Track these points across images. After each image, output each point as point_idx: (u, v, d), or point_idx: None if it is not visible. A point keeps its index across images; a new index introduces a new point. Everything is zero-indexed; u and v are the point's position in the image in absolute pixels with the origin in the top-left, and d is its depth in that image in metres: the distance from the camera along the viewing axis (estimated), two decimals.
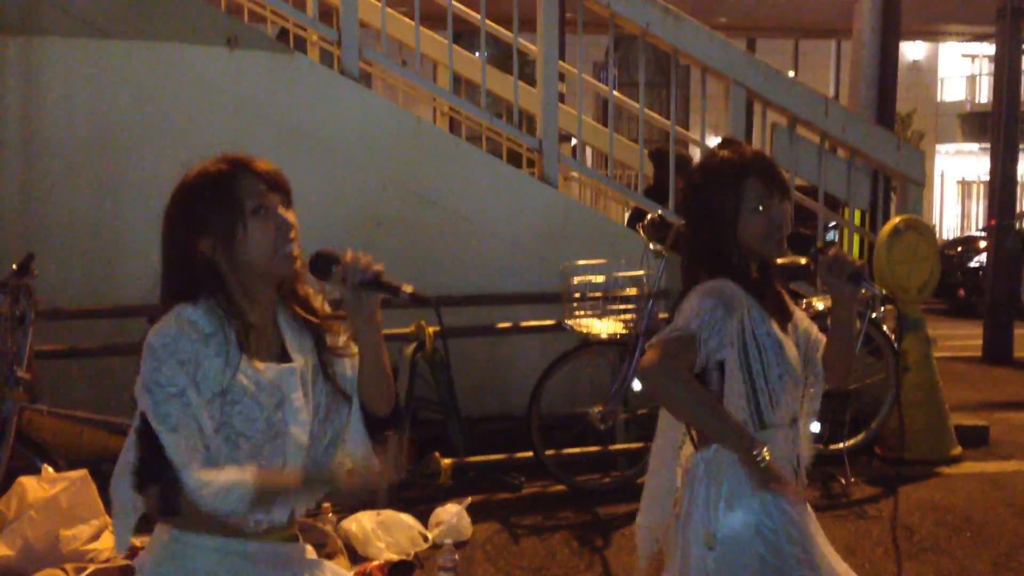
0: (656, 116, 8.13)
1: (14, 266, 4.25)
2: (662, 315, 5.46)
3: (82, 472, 3.95)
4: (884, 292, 2.44)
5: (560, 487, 5.11)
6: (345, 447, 2.04)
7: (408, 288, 1.90)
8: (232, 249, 1.89)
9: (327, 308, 2.07)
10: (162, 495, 1.83)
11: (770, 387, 2.29)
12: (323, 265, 1.93)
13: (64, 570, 3.58)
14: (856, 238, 7.15)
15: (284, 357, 1.97)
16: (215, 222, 1.89)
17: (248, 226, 1.89)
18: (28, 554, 3.64)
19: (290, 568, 1.99)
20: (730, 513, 2.25)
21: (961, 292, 14.43)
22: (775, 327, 2.32)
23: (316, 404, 1.99)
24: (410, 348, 5.06)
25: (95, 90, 5.41)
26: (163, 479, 1.82)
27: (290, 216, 1.93)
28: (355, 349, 2.06)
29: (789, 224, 2.35)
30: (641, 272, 5.17)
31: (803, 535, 2.28)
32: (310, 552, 2.08)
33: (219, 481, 1.79)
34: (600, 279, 5.12)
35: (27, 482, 3.87)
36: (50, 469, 4.01)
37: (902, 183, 6.92)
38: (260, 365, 1.91)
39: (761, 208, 2.33)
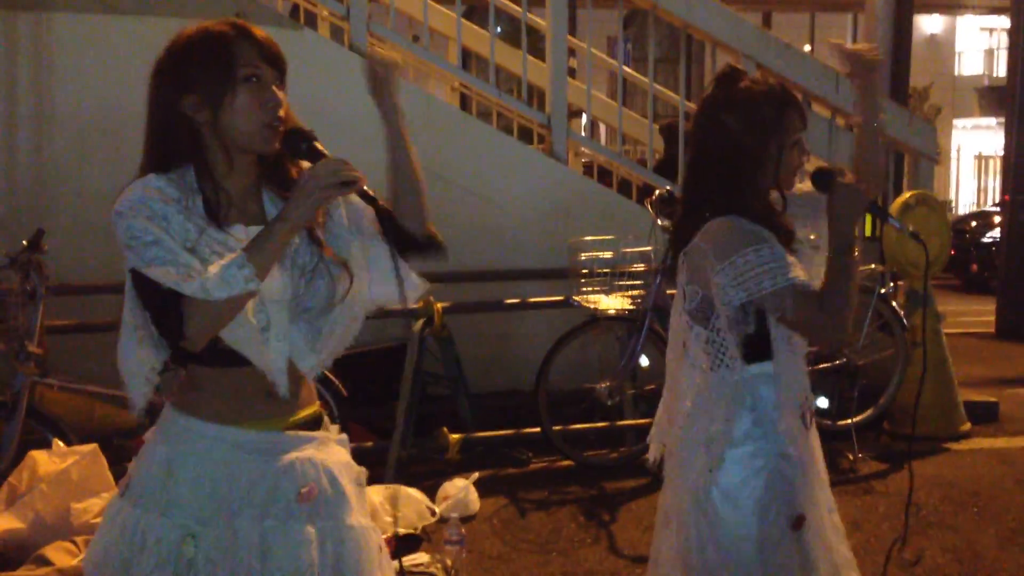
0: (667, 92, 8.10)
1: (24, 242, 4.29)
2: (670, 291, 5.47)
3: (92, 446, 3.99)
4: (912, 229, 2.42)
5: (567, 462, 5.14)
6: (353, 307, 2.03)
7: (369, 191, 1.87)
8: (216, 113, 1.87)
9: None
10: (167, 329, 1.83)
11: None
12: (294, 143, 1.90)
13: (75, 543, 3.62)
14: (868, 214, 7.10)
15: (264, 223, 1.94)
16: (204, 81, 1.87)
17: (237, 92, 1.87)
18: (39, 527, 3.69)
19: (295, 457, 1.95)
20: (742, 439, 2.28)
21: (974, 267, 14.34)
22: None
23: (302, 267, 1.96)
24: (418, 323, 5.07)
25: (105, 66, 5.43)
26: (167, 315, 1.82)
27: (281, 95, 1.91)
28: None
29: None
30: (649, 248, 5.16)
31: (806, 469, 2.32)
32: (324, 438, 2.02)
33: (213, 271, 1.79)
34: (608, 255, 5.12)
35: (38, 456, 3.92)
36: (61, 443, 4.06)
37: (914, 158, 6.88)
38: (231, 228, 1.89)
39: (797, 141, 2.32)
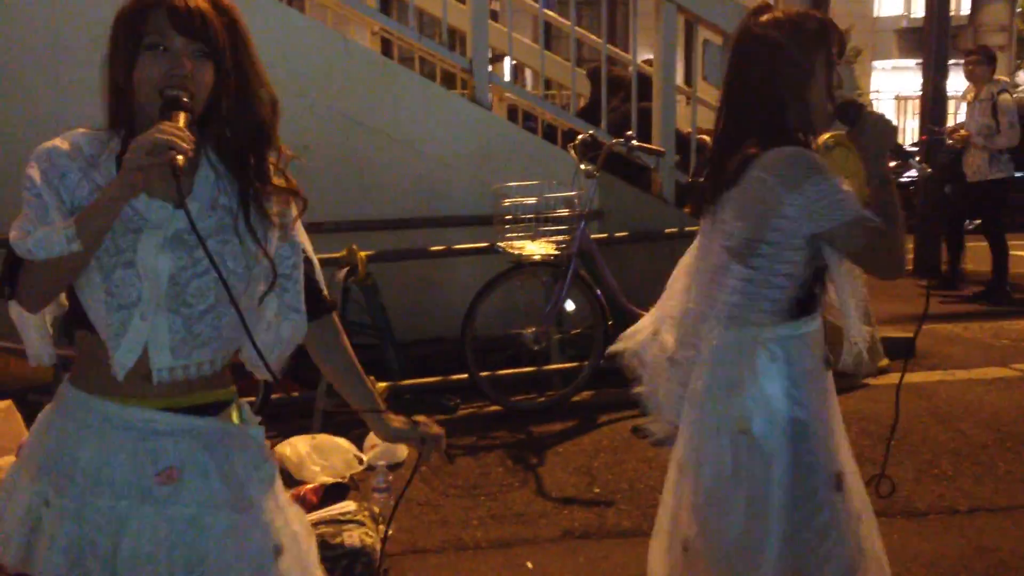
0: (591, 35, 8.06)
1: None
2: (593, 236, 5.50)
3: (6, 402, 3.91)
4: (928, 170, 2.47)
5: (495, 408, 5.17)
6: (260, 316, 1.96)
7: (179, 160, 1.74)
8: (129, 82, 1.84)
9: (287, 174, 1.96)
10: (6, 278, 1.81)
11: None
12: (165, 109, 1.79)
13: None
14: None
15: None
16: (120, 48, 1.85)
17: (139, 61, 1.82)
18: None
19: (165, 439, 1.88)
20: (765, 397, 2.27)
21: None
22: None
23: (193, 257, 1.86)
24: (342, 272, 5.03)
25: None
26: (7, 268, 1.81)
27: (202, 70, 1.83)
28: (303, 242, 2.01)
29: None
30: (573, 193, 5.17)
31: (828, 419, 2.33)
32: (220, 426, 1.94)
33: (40, 232, 1.76)
34: (532, 200, 5.11)
35: None
36: None
37: None
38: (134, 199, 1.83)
39: (833, 63, 2.30)
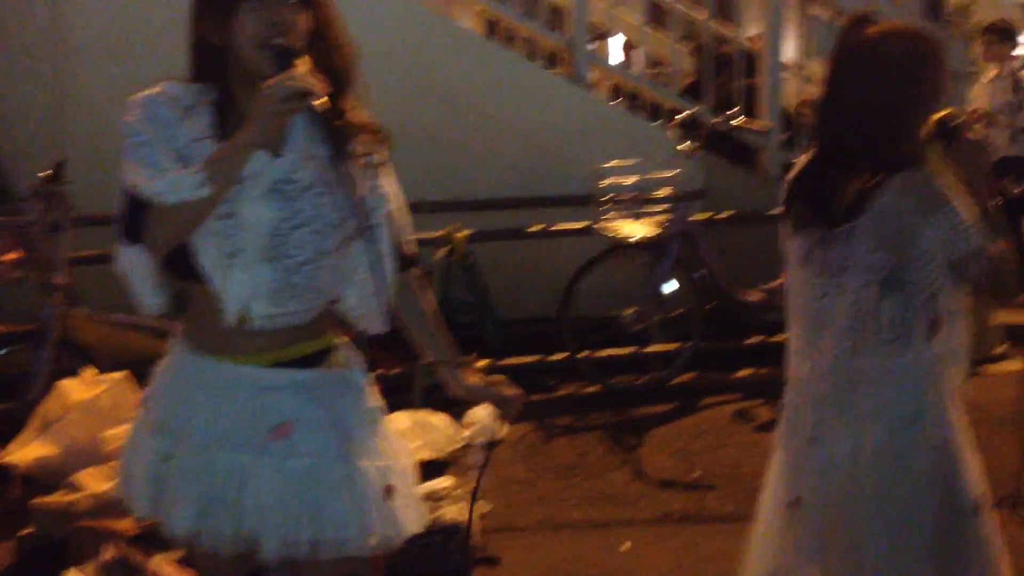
0: (695, 13, 7.92)
1: (45, 173, 4.28)
2: (695, 216, 5.42)
3: (122, 373, 4.03)
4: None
5: (593, 388, 5.15)
6: (343, 279, 1.99)
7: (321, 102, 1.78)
8: (226, 35, 1.86)
9: (367, 119, 1.98)
10: (130, 225, 1.84)
11: None
12: (277, 59, 1.82)
13: (107, 468, 3.68)
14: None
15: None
16: (213, 7, 1.87)
17: (239, 12, 1.84)
18: (72, 453, 3.74)
19: (276, 394, 1.93)
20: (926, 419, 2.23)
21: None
22: None
23: (305, 207, 1.90)
24: (441, 252, 5.07)
25: None
26: (129, 214, 1.84)
27: (298, 18, 1.86)
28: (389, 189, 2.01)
29: None
30: (674, 173, 5.10)
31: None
32: (324, 375, 1.98)
33: (169, 176, 1.79)
34: (632, 181, 5.06)
35: (68, 384, 3.96)
36: (90, 371, 4.10)
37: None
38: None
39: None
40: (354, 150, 1.93)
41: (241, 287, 1.89)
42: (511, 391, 2.14)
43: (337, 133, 1.88)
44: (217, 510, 1.89)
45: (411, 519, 2.01)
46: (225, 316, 1.90)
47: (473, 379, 2.15)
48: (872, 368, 2.24)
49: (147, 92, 1.90)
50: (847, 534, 2.30)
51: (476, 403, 2.16)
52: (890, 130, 2.19)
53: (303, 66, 1.80)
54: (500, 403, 2.15)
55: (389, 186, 2.03)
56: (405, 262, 2.07)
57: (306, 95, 1.76)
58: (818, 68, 6.60)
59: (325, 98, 1.77)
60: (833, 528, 2.32)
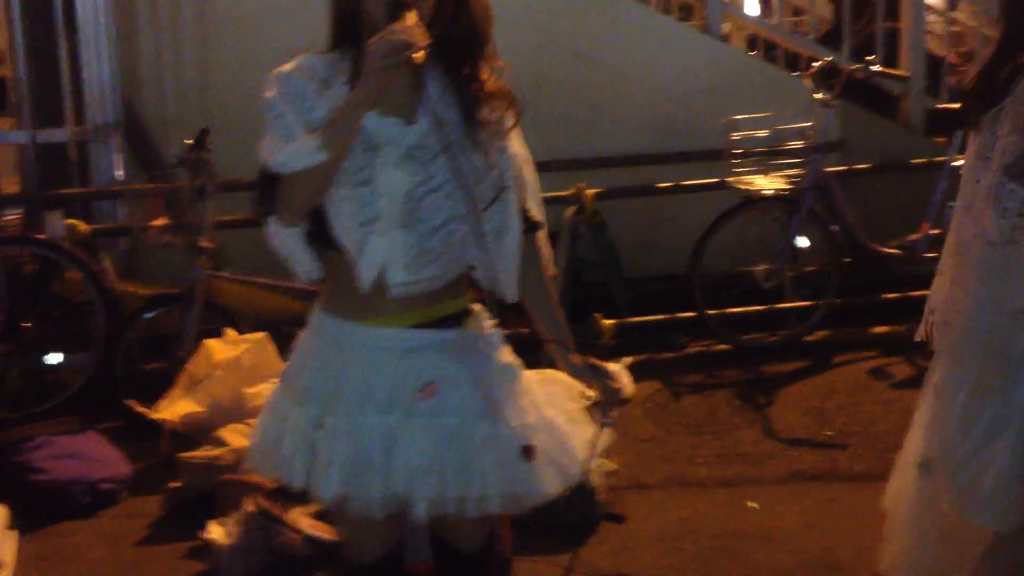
0: None
1: (190, 141, 4.48)
2: (832, 168, 5.26)
3: (262, 334, 4.21)
4: None
5: (724, 346, 5.09)
6: (476, 243, 2.00)
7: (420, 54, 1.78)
8: (356, 1, 1.90)
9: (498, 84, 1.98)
10: (263, 197, 1.90)
11: None
12: (393, 11, 1.83)
13: (249, 424, 3.86)
14: None
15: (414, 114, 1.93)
16: None
17: None
18: (216, 411, 3.94)
19: (420, 355, 1.97)
20: None
21: None
22: None
23: (438, 172, 1.92)
24: (570, 211, 5.07)
25: None
26: (262, 186, 1.90)
27: None
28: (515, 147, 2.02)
29: None
30: (808, 124, 4.95)
31: None
32: (465, 335, 2.00)
33: (288, 147, 1.84)
34: (764, 133, 4.94)
35: (213, 344, 4.17)
36: (232, 332, 4.30)
37: None
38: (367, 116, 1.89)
39: None
40: (484, 115, 1.95)
41: (376, 253, 1.92)
42: (617, 384, 2.15)
43: (467, 97, 1.92)
44: (367, 473, 1.93)
45: (548, 480, 2.03)
46: (359, 280, 1.94)
47: (579, 361, 2.16)
48: (1001, 257, 2.15)
49: (285, 67, 1.94)
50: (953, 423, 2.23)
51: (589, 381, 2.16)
52: None
53: (409, 19, 1.80)
54: (603, 391, 2.16)
55: (518, 150, 2.05)
56: (529, 227, 2.08)
57: (405, 48, 1.76)
58: (963, 12, 6.28)
59: (422, 52, 1.78)
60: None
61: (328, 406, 1.97)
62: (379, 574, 2.14)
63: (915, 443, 2.39)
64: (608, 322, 5.02)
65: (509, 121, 2.00)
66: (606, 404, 2.16)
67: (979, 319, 2.21)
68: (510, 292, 2.05)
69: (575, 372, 2.16)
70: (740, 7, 7.00)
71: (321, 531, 3.29)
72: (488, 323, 2.07)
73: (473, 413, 1.96)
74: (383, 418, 1.95)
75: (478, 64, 1.95)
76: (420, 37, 1.78)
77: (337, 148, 1.83)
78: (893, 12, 6.08)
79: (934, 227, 5.07)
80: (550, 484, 2.03)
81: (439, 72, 1.94)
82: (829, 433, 4.21)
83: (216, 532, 3.29)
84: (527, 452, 1.98)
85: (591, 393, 2.14)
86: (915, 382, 4.67)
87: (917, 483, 2.35)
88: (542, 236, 2.13)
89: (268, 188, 1.90)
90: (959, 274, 2.28)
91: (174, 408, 4.00)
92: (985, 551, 2.25)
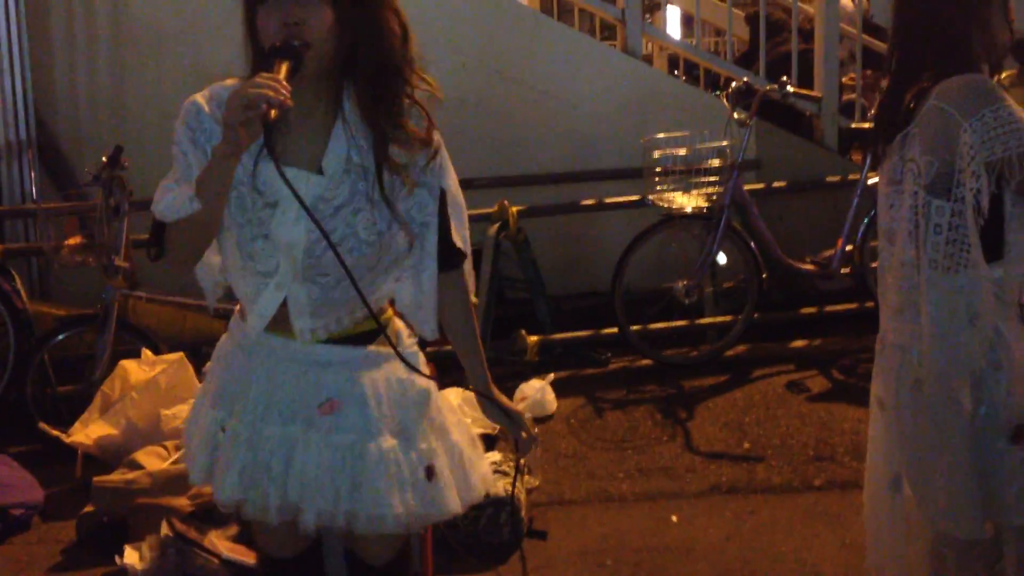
0: None
1: (104, 158, 4.39)
2: (749, 186, 5.36)
3: (179, 355, 4.14)
4: None
5: (646, 361, 5.14)
6: (394, 279, 2.01)
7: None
8: (255, 34, 1.86)
9: (421, 126, 1.95)
10: (152, 242, 1.90)
11: None
12: (267, 61, 1.77)
13: (164, 447, 3.79)
14: None
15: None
16: (243, 6, 1.89)
17: (257, 14, 1.85)
18: (131, 433, 3.87)
19: (326, 370, 1.98)
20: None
21: None
22: None
23: (339, 226, 1.89)
24: (493, 228, 5.09)
25: None
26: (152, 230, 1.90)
27: (315, 13, 1.80)
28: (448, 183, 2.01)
29: None
30: (725, 143, 5.05)
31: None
32: (375, 353, 2.00)
33: (170, 194, 1.82)
34: (682, 152, 5.02)
35: (128, 365, 4.09)
36: (149, 352, 4.22)
37: None
38: (260, 165, 1.86)
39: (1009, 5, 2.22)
40: (397, 159, 1.91)
41: (269, 304, 1.95)
42: (527, 435, 2.16)
43: (381, 139, 1.89)
44: (263, 479, 1.94)
45: (450, 500, 2.02)
46: (248, 326, 1.97)
47: (497, 409, 2.15)
48: (928, 283, 2.18)
49: (199, 99, 1.91)
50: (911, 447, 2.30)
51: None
52: (950, 39, 2.20)
53: (281, 69, 1.74)
54: (516, 439, 2.18)
55: (445, 183, 2.02)
56: (455, 258, 2.06)
57: (260, 103, 1.67)
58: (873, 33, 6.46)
59: (275, 111, 1.68)
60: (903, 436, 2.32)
61: (233, 409, 1.99)
62: (292, 571, 2.17)
63: (878, 463, 2.44)
64: (532, 338, 5.05)
65: (426, 159, 1.96)
66: (518, 448, 2.18)
67: (916, 341, 2.25)
68: (428, 329, 2.05)
69: (487, 413, 2.18)
70: (662, 28, 7.12)
71: (239, 554, 3.24)
72: (407, 340, 2.07)
73: (371, 432, 1.96)
74: (284, 428, 1.96)
75: (395, 96, 1.91)
76: (281, 90, 1.69)
77: (209, 199, 1.78)
78: (807, 35, 6.23)
79: (848, 243, 5.19)
80: (450, 504, 2.03)
81: (352, 108, 1.90)
82: (747, 446, 4.27)
83: (131, 557, 3.23)
84: (428, 472, 1.99)
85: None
86: (831, 395, 4.82)
87: (890, 502, 2.39)
88: (467, 267, 2.12)
89: (158, 232, 1.88)
90: (889, 298, 2.34)
91: (88, 431, 3.91)
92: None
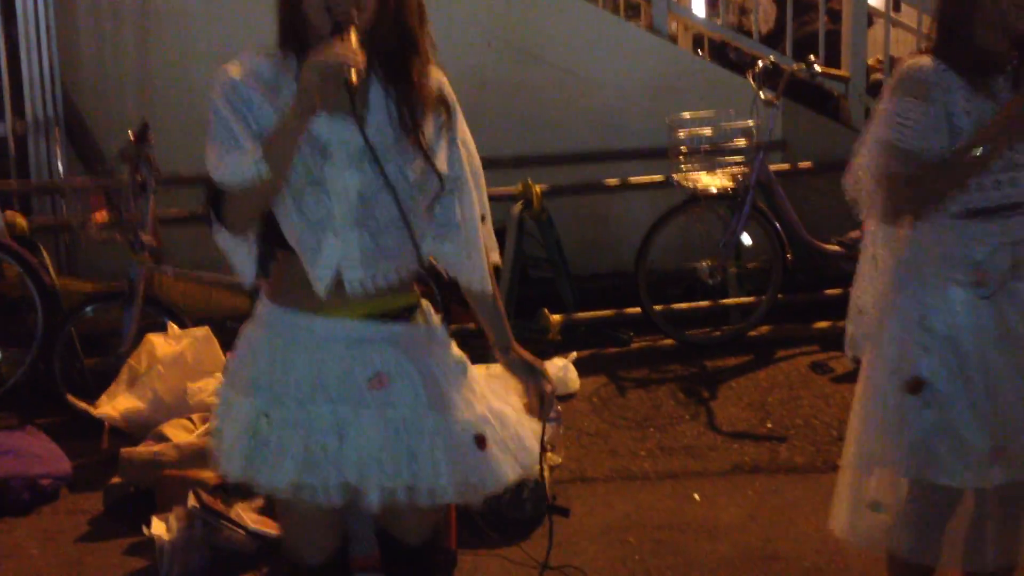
0: None
1: (131, 135, 4.42)
2: (775, 166, 5.33)
3: (205, 329, 4.18)
4: None
5: (669, 341, 5.13)
6: (433, 236, 2.04)
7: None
8: (294, 4, 1.89)
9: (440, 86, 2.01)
10: (211, 206, 1.91)
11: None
12: (335, 27, 1.84)
13: (191, 419, 3.83)
14: None
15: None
16: None
17: None
18: (158, 406, 3.91)
19: (370, 346, 1.98)
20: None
21: None
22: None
23: (390, 169, 1.93)
24: (517, 207, 5.08)
25: None
26: (210, 196, 1.91)
27: None
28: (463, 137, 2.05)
29: None
30: (751, 122, 5.02)
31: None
32: (412, 328, 2.02)
33: (230, 160, 1.85)
34: (708, 131, 4.99)
35: (155, 339, 4.13)
36: (175, 327, 4.25)
37: None
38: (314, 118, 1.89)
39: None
40: (424, 115, 1.96)
41: (332, 255, 1.93)
42: (549, 384, 2.16)
43: (407, 98, 1.93)
44: (321, 461, 1.93)
45: (505, 468, 2.04)
46: (315, 284, 1.94)
47: (518, 358, 2.16)
48: None
49: (231, 68, 1.92)
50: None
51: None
52: (944, 15, 2.33)
53: (353, 38, 1.82)
54: (536, 389, 2.16)
55: (463, 145, 2.06)
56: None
57: (341, 70, 1.77)
58: (909, 13, 6.40)
59: (356, 74, 1.78)
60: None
61: (276, 396, 1.97)
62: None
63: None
64: (555, 318, 5.05)
65: (449, 117, 2.02)
66: (543, 402, 2.16)
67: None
68: (478, 279, 2.07)
69: (511, 367, 2.17)
70: (688, 7, 7.07)
71: (265, 526, 3.27)
72: (435, 317, 2.09)
73: (422, 404, 1.97)
74: (334, 407, 1.95)
75: (414, 65, 1.96)
76: (357, 59, 1.79)
77: (276, 164, 1.84)
78: (835, 15, 6.18)
79: None
80: (505, 472, 2.04)
81: (378, 74, 1.95)
82: (770, 426, 4.27)
83: (158, 528, 3.26)
84: (479, 441, 2.00)
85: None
86: (854, 376, 4.75)
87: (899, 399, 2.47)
88: (487, 227, 2.14)
89: (216, 198, 1.90)
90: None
91: (115, 404, 3.96)
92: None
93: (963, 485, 2.36)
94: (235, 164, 1.83)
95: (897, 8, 6.33)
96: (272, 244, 2.00)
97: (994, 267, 2.30)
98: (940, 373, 2.33)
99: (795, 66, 5.26)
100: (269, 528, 3.24)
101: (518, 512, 3.50)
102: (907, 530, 2.42)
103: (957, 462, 2.31)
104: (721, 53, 6.96)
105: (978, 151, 2.21)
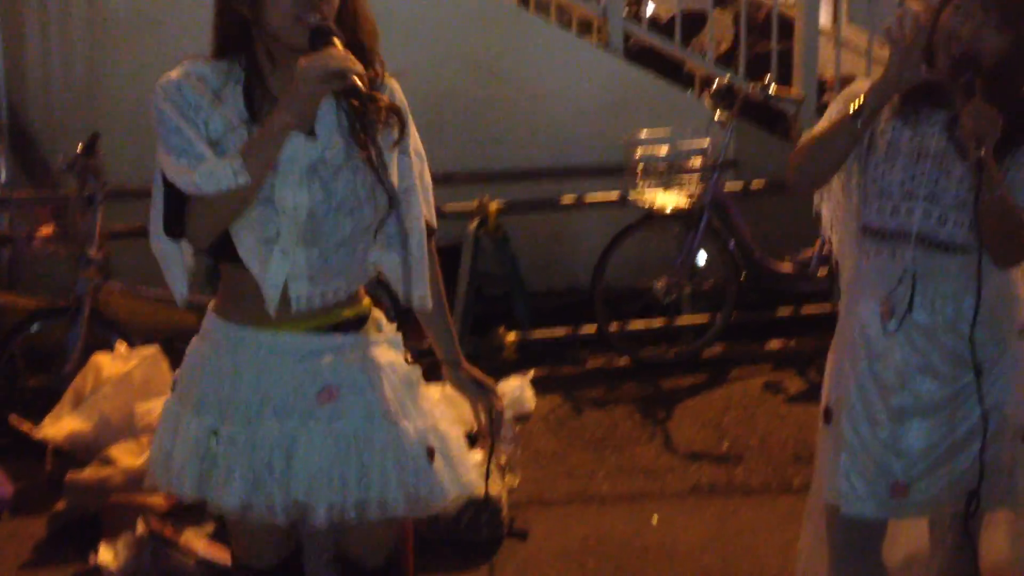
0: None
1: (80, 146, 4.31)
2: (728, 186, 5.36)
3: (154, 348, 4.08)
4: None
5: (624, 360, 5.13)
6: (380, 247, 2.00)
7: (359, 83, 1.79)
8: (257, 9, 1.85)
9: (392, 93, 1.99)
10: (170, 217, 1.86)
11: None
12: (313, 39, 1.82)
13: (140, 442, 3.72)
14: None
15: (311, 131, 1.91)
16: None
17: None
18: (105, 428, 3.80)
19: (319, 359, 1.95)
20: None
21: None
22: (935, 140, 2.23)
23: (340, 188, 1.90)
24: (472, 224, 5.05)
25: None
26: (171, 207, 1.86)
27: None
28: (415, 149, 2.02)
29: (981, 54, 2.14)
30: (706, 142, 5.04)
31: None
32: (363, 339, 1.99)
33: (205, 167, 1.80)
34: (664, 150, 5.01)
35: (102, 359, 4.01)
36: (123, 345, 4.15)
37: None
38: (254, 131, 1.87)
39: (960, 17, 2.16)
40: (377, 127, 1.93)
41: (279, 272, 1.90)
42: (499, 403, 2.14)
43: (362, 112, 1.89)
44: (267, 480, 1.90)
45: (453, 483, 2.01)
46: (265, 299, 1.91)
47: (466, 376, 2.14)
48: None
49: (172, 75, 1.88)
50: None
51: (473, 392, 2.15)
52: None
53: (340, 45, 1.80)
54: (486, 408, 2.15)
55: (415, 154, 2.04)
56: (427, 231, 2.07)
57: (345, 75, 1.76)
58: (852, 34, 6.48)
59: (361, 78, 1.78)
60: None
61: (224, 413, 1.93)
62: None
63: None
64: (510, 336, 5.02)
65: (402, 127, 1.99)
66: (492, 422, 2.13)
67: None
68: (418, 296, 2.02)
69: (459, 384, 2.15)
70: (641, 26, 7.09)
71: (216, 554, 3.19)
72: (388, 326, 2.06)
73: (372, 417, 1.94)
74: (281, 423, 1.92)
75: (368, 76, 1.93)
76: (357, 65, 1.78)
77: (258, 172, 1.80)
78: (787, 35, 6.23)
79: (826, 245, 5.19)
80: (447, 488, 2.01)
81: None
82: (727, 446, 4.27)
83: (105, 555, 3.17)
84: (430, 454, 1.97)
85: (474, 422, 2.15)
86: (808, 396, 4.82)
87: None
88: (432, 242, 2.12)
89: (173, 207, 1.84)
90: None
91: (59, 425, 3.84)
92: None
93: (862, 515, 2.31)
94: (210, 170, 1.79)
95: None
96: (218, 257, 1.95)
97: (897, 299, 2.29)
98: (849, 404, 2.32)
99: (751, 87, 5.29)
100: (219, 556, 3.15)
101: (475, 535, 3.46)
102: (833, 557, 2.41)
103: (854, 492, 2.29)
104: (676, 66, 6.98)
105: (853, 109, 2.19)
